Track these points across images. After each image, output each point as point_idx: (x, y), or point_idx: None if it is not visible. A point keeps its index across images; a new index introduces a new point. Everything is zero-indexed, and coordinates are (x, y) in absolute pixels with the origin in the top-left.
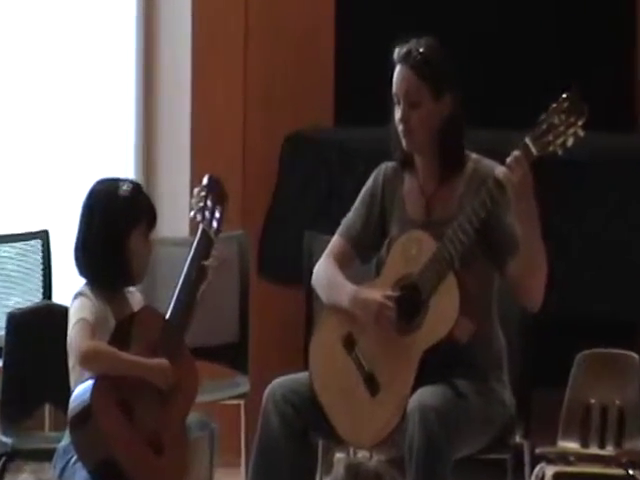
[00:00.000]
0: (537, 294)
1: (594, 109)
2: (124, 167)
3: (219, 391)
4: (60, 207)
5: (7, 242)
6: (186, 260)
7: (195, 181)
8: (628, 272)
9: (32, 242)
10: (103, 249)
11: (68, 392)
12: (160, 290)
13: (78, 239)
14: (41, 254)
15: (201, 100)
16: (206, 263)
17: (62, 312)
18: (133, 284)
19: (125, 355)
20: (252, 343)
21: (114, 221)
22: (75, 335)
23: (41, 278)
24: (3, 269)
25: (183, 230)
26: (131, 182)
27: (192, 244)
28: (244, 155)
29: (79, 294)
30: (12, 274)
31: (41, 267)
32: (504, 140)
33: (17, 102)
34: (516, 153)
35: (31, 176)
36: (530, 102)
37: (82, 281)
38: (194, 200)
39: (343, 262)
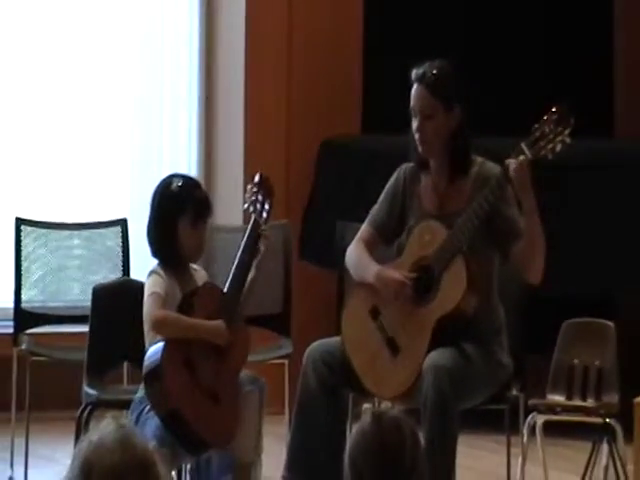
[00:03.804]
0: (539, 270)
1: (579, 119)
2: (189, 167)
3: (267, 352)
4: (139, 198)
5: (93, 228)
6: (240, 244)
7: (248, 178)
8: (603, 260)
9: (113, 228)
10: (156, 233)
11: (143, 352)
12: (219, 269)
13: (147, 224)
14: (121, 239)
15: (253, 112)
16: (259, 245)
17: (138, 287)
18: (187, 262)
19: (189, 319)
20: (294, 313)
21: (163, 210)
22: (149, 306)
23: (121, 258)
24: (90, 251)
25: (237, 219)
26: (186, 178)
27: (245, 231)
28: (287, 157)
29: (152, 272)
30: (97, 255)
31: (121, 249)
32: (505, 146)
33: (93, 105)
34: (520, 157)
35: (116, 173)
36: (526, 115)
37: (154, 261)
38: (247, 194)
39: (370, 246)
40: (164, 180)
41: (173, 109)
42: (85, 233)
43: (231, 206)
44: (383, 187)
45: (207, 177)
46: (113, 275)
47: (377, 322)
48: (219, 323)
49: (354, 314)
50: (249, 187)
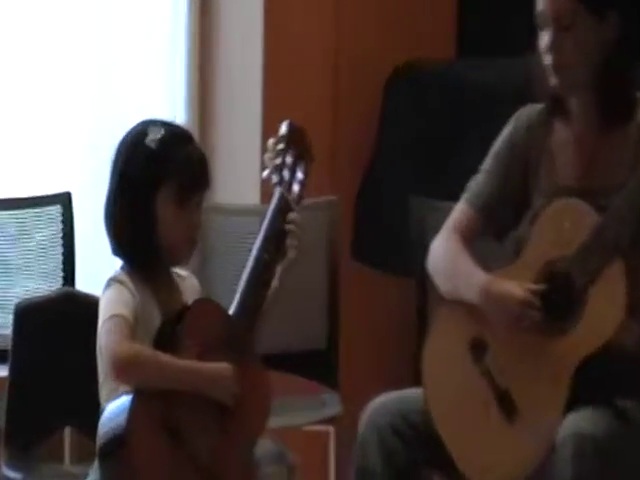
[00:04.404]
0: None
1: None
2: (173, 110)
3: (300, 412)
4: (91, 163)
5: (17, 209)
6: (257, 235)
7: (268, 131)
8: None
9: (50, 209)
10: (121, 215)
11: (97, 412)
12: (221, 275)
13: (105, 201)
14: (61, 225)
15: (277, 23)
16: (287, 243)
17: (88, 303)
18: (168, 264)
19: (174, 360)
20: (344, 351)
21: (133, 178)
22: (108, 336)
23: (61, 257)
24: (12, 245)
25: (252, 195)
26: (170, 127)
27: (265, 214)
28: (335, 97)
29: (113, 280)
30: (23, 253)
31: (61, 242)
32: None
33: (47, 45)
34: None
35: (56, 124)
36: None
37: (116, 262)
38: (268, 155)
39: (471, 239)
40: (135, 129)
41: (147, 24)
42: (4, 217)
43: (241, 175)
44: (487, 142)
45: (202, 127)
46: (48, 285)
47: (481, 364)
48: (222, 366)
49: (444, 351)
50: (271, 143)
